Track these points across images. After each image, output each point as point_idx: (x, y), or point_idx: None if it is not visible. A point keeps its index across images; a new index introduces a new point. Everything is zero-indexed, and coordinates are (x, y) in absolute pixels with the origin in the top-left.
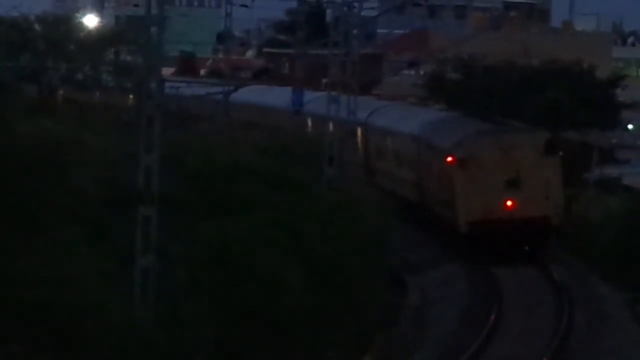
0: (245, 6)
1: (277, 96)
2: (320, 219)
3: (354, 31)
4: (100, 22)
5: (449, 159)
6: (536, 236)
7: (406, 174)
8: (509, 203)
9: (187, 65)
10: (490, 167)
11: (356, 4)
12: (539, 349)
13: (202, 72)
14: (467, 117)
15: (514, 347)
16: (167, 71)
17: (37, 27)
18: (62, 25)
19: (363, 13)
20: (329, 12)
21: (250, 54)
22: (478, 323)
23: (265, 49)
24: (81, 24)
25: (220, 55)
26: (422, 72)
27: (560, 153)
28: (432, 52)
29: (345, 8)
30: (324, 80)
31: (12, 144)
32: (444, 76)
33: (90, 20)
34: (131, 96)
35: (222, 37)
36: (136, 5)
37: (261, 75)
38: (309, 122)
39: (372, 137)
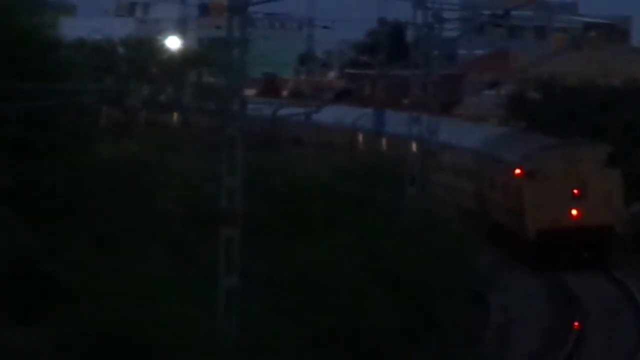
0: (327, 28)
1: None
2: (402, 239)
3: (435, 52)
4: (183, 44)
5: (517, 171)
6: (599, 243)
7: (466, 186)
8: (574, 212)
9: (269, 87)
10: (556, 178)
11: (437, 25)
12: None
13: (284, 93)
14: (526, 132)
15: None
16: (249, 92)
17: (120, 49)
18: (145, 48)
19: (444, 34)
20: (409, 32)
21: (332, 75)
22: (559, 341)
23: (347, 70)
24: (164, 46)
25: (302, 77)
26: (502, 93)
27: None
28: (512, 72)
29: (425, 29)
30: (405, 101)
31: (96, 166)
32: (524, 96)
33: (173, 43)
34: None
35: (304, 59)
36: (218, 27)
37: (343, 96)
38: (360, 138)
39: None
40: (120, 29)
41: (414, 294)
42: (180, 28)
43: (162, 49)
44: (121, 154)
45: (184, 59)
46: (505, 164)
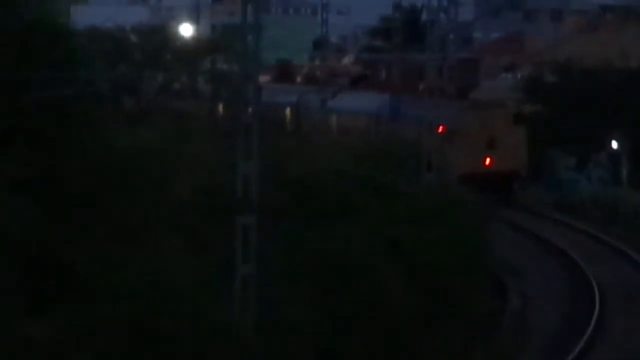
0: (342, 13)
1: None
2: (419, 224)
3: (450, 36)
4: (196, 31)
5: (440, 129)
6: (508, 185)
7: None
8: (487, 161)
9: (283, 72)
10: (472, 135)
11: (452, 8)
12: None
13: (298, 79)
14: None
15: (618, 353)
16: (263, 79)
17: (133, 37)
18: (158, 36)
19: (459, 17)
20: (424, 17)
21: (347, 60)
22: (579, 326)
23: (362, 55)
24: (177, 33)
25: (317, 62)
26: (519, 76)
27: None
28: (528, 55)
29: (441, 13)
30: (421, 86)
31: (111, 155)
32: (541, 79)
33: (186, 30)
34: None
35: (319, 44)
36: (232, 14)
37: (359, 82)
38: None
39: None
40: (133, 16)
41: (432, 279)
42: (193, 15)
43: (175, 36)
44: (136, 142)
45: (197, 46)
46: (429, 124)
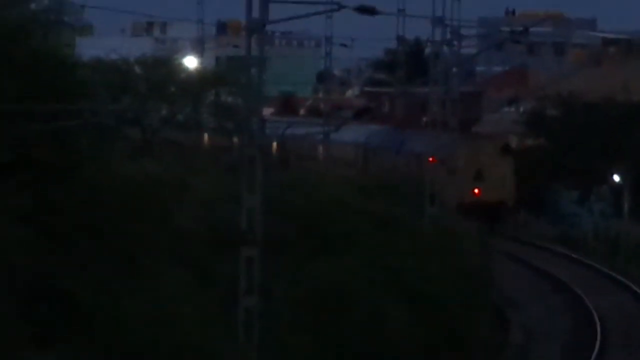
0: (345, 46)
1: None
2: (422, 257)
3: (453, 69)
4: (201, 63)
5: (430, 159)
6: (496, 214)
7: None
8: (476, 191)
9: (287, 105)
10: (460, 165)
11: (455, 42)
12: None
13: (302, 111)
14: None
15: None
16: (266, 111)
17: (137, 69)
18: (163, 67)
19: (462, 51)
20: (427, 50)
21: (350, 93)
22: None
23: (366, 88)
24: (181, 65)
25: (321, 95)
26: (521, 109)
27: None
28: (531, 89)
29: (444, 46)
30: (424, 119)
31: (115, 186)
32: (543, 113)
33: (191, 62)
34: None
35: (322, 77)
36: (236, 46)
37: (362, 115)
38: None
39: None
40: (137, 48)
41: (434, 311)
42: (198, 47)
43: (179, 68)
44: (140, 174)
45: (201, 78)
46: (419, 154)
